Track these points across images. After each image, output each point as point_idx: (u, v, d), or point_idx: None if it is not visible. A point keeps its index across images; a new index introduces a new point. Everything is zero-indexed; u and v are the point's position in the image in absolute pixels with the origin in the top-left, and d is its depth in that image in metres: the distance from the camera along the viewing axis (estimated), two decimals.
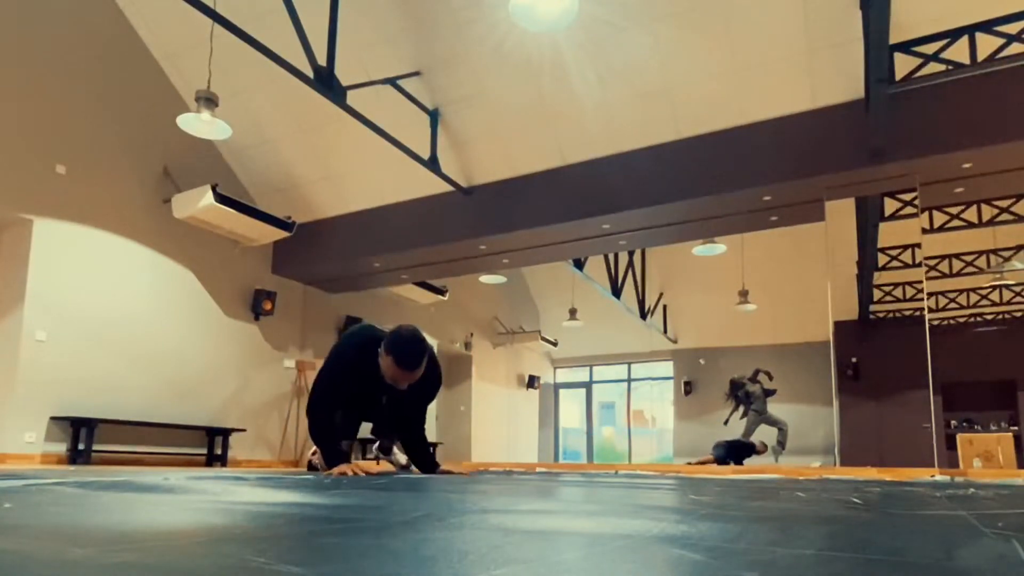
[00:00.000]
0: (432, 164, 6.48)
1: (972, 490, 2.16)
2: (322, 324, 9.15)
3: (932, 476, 4.56)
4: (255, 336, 8.17)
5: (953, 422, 10.67)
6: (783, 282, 11.10)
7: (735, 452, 9.33)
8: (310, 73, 5.12)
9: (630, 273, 10.74)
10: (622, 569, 0.56)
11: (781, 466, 7.94)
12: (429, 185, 7.04)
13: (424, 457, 3.30)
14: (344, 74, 5.40)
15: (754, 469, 6.00)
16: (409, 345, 2.80)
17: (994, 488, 2.33)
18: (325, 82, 5.17)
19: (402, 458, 3.58)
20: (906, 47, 4.77)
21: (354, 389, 2.99)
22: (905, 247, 5.74)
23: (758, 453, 9.39)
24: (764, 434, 9.74)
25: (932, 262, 8.75)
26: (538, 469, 5.31)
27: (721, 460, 9.21)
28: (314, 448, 3.61)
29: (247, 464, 7.71)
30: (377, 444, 3.60)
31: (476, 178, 6.98)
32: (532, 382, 14.30)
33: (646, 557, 0.63)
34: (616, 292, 10.24)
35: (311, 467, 3.77)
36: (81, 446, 6.12)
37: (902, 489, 2.12)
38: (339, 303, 9.38)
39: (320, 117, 6.81)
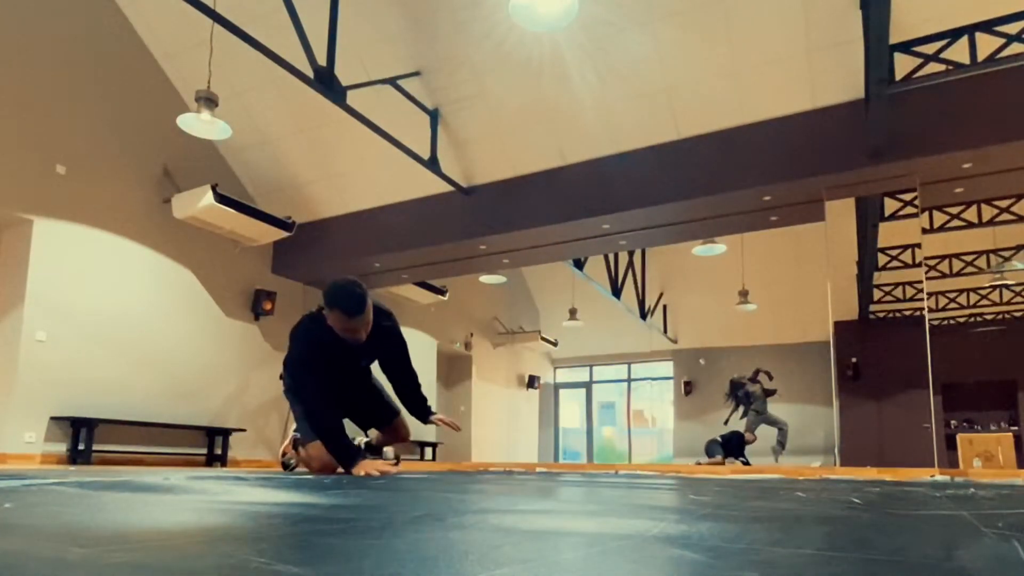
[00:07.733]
0: (432, 164, 6.48)
1: (972, 490, 2.16)
2: None
3: (932, 476, 4.56)
4: (255, 336, 8.17)
5: (953, 422, 10.67)
6: (783, 282, 11.10)
7: (730, 446, 9.33)
8: (310, 73, 5.12)
9: (630, 273, 10.73)
10: (622, 569, 0.56)
11: (781, 466, 7.94)
12: (429, 185, 7.04)
13: (420, 406, 3.33)
14: (344, 74, 5.40)
15: (754, 469, 6.01)
16: (344, 290, 2.83)
17: (994, 488, 2.34)
18: (325, 82, 5.17)
19: (390, 452, 3.60)
20: (906, 47, 4.77)
21: (328, 360, 2.97)
22: (905, 247, 5.74)
23: (748, 442, 9.39)
24: (764, 434, 9.74)
25: (932, 262, 8.74)
26: (538, 469, 5.31)
27: (719, 455, 9.21)
28: (287, 443, 3.59)
29: (247, 464, 7.71)
30: (365, 443, 3.60)
31: (476, 178, 6.98)
32: (532, 382, 14.29)
33: (646, 557, 0.63)
34: (616, 292, 10.24)
35: (287, 466, 3.67)
36: (81, 446, 6.12)
37: (902, 489, 2.12)
38: None
39: (320, 117, 6.81)
